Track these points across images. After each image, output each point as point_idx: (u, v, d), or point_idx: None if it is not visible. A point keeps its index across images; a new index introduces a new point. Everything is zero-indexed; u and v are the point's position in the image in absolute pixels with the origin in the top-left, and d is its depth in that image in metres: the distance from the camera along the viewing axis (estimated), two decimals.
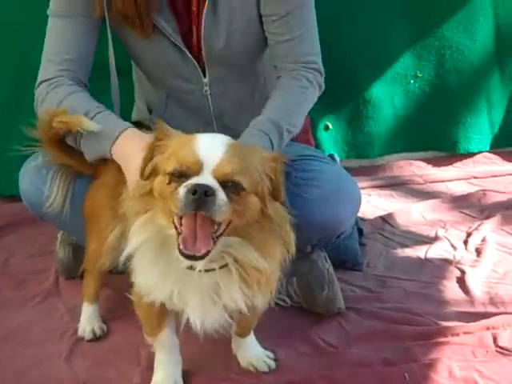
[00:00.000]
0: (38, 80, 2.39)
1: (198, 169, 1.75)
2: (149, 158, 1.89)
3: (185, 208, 1.72)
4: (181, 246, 1.76)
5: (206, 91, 2.47)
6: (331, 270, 2.51)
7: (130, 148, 2.14)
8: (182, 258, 1.77)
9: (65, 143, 2.30)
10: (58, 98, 2.30)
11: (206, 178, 1.74)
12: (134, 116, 2.82)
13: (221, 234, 1.79)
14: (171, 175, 1.77)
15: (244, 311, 1.93)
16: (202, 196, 1.70)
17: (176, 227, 1.79)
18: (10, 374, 2.24)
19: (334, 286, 2.48)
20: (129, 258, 1.95)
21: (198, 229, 1.75)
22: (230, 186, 1.75)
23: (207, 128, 2.45)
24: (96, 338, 2.42)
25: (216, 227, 1.77)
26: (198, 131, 2.08)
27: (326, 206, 2.31)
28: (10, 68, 3.39)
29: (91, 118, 2.21)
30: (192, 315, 1.93)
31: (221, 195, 1.73)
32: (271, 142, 2.20)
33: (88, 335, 2.42)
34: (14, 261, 2.97)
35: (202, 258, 1.77)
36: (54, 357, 2.33)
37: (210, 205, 1.71)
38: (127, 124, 2.24)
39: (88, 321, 2.45)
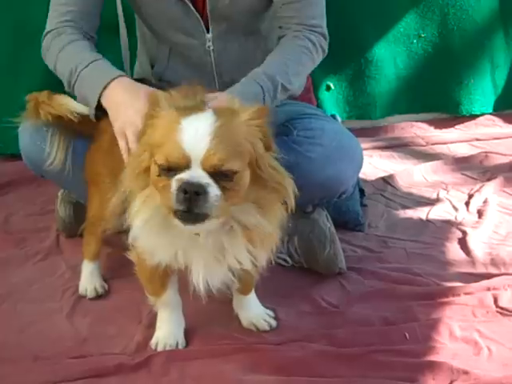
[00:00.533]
0: (44, 31, 2.39)
1: (185, 163, 1.72)
2: (141, 135, 1.86)
3: (177, 205, 1.71)
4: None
5: (208, 47, 2.45)
6: (333, 229, 2.51)
7: (121, 97, 2.11)
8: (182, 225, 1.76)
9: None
10: (58, 47, 2.31)
11: (196, 172, 1.70)
12: (137, 73, 2.79)
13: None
14: (160, 169, 1.74)
15: (248, 269, 1.93)
16: (192, 196, 1.69)
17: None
18: (10, 331, 2.25)
19: (336, 245, 2.48)
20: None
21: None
22: (221, 174, 1.72)
23: (209, 84, 2.43)
24: (98, 297, 2.43)
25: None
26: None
27: (327, 164, 2.29)
28: (8, 24, 3.35)
29: (85, 67, 2.21)
30: (196, 275, 1.93)
31: (213, 191, 1.70)
32: (263, 93, 2.17)
33: (90, 293, 2.42)
34: (14, 219, 2.97)
35: (201, 220, 1.74)
36: (55, 314, 2.33)
37: (202, 203, 1.70)
38: (121, 72, 2.21)
39: (89, 279, 2.45)
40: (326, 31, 2.42)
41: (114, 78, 2.17)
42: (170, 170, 1.73)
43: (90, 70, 2.22)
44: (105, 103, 2.16)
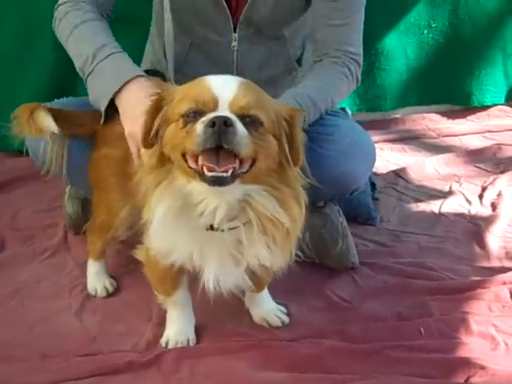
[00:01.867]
0: (59, 2, 2.34)
1: (213, 105, 1.68)
2: (151, 123, 1.80)
3: (204, 143, 1.63)
4: (205, 170, 1.66)
5: (233, 46, 2.43)
6: (345, 223, 2.47)
7: (135, 96, 2.06)
8: (206, 185, 1.68)
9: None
10: (74, 22, 2.25)
11: (223, 113, 1.66)
12: (148, 55, 2.73)
13: (245, 173, 1.71)
14: (186, 117, 1.70)
15: (266, 267, 1.90)
16: (221, 127, 1.61)
17: (192, 168, 1.70)
18: (19, 328, 2.22)
19: (348, 239, 2.44)
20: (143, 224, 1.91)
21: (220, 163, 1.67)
22: (248, 121, 1.68)
23: None
24: (108, 295, 2.40)
25: (238, 166, 1.68)
26: None
27: (341, 161, 2.26)
28: (15, 21, 3.32)
29: (105, 57, 2.15)
30: (208, 274, 1.88)
31: (240, 127, 1.65)
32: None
33: (101, 292, 2.39)
34: (21, 216, 2.93)
35: (227, 182, 1.67)
36: (64, 311, 2.30)
37: (231, 136, 1.62)
38: (138, 71, 2.17)
39: (96, 278, 2.42)
40: (361, 60, 2.41)
41: (130, 80, 2.11)
42: (195, 115, 1.68)
43: (108, 62, 2.16)
44: (118, 103, 2.12)
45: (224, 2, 2.35)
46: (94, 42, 2.20)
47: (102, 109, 2.15)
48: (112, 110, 2.16)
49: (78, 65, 2.24)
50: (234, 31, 2.41)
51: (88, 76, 2.20)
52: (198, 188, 1.73)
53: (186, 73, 2.44)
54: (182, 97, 1.73)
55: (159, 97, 1.78)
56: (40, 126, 2.14)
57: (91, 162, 2.25)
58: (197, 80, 1.76)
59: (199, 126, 1.64)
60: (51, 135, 2.18)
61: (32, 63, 3.31)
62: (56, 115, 2.17)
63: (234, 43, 2.42)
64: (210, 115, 1.65)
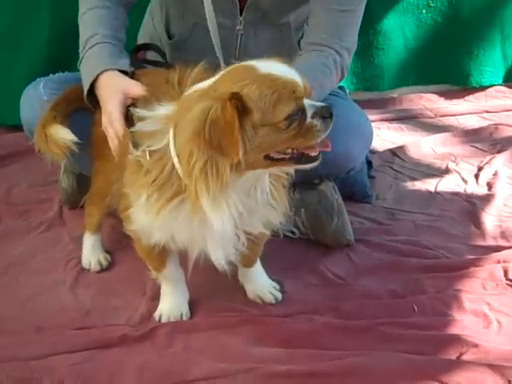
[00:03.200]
0: None
1: (303, 96, 1.75)
2: (241, 136, 1.70)
3: (322, 134, 1.78)
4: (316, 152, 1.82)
5: (238, 30, 2.41)
6: (340, 200, 2.46)
7: (105, 89, 2.10)
8: (304, 164, 1.83)
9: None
10: (84, 9, 2.28)
11: (308, 100, 1.77)
12: (145, 32, 2.68)
13: None
14: (290, 117, 1.71)
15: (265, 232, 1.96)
16: (331, 115, 1.77)
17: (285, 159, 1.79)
18: (14, 302, 2.23)
19: (344, 216, 2.44)
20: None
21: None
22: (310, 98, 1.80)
23: (225, 64, 2.38)
24: (102, 269, 2.40)
25: None
26: (215, 66, 2.02)
27: (336, 141, 2.21)
28: None
29: (92, 46, 2.18)
30: (214, 252, 1.90)
31: None
32: None
33: (94, 267, 2.40)
34: (16, 190, 2.92)
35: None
36: (59, 285, 2.31)
37: (331, 120, 1.79)
38: (113, 63, 2.16)
39: (92, 251, 2.42)
40: (352, 50, 2.38)
41: (103, 71, 2.13)
42: (298, 112, 1.73)
43: (92, 52, 2.19)
44: (96, 91, 2.15)
45: None
46: (91, 29, 2.22)
47: (84, 96, 2.18)
48: None
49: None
50: (240, 15, 2.39)
51: (80, 62, 2.23)
52: (252, 175, 1.79)
53: (187, 51, 2.43)
54: (276, 100, 1.71)
55: (236, 108, 1.68)
56: (57, 142, 2.14)
57: (93, 133, 2.26)
58: (266, 76, 1.73)
59: (316, 121, 1.76)
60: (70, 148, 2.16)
61: (28, 39, 3.28)
62: (61, 107, 2.22)
63: (240, 26, 2.40)
64: (315, 106, 1.76)
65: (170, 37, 2.53)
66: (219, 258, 1.92)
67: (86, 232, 2.44)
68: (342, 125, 2.22)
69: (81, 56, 2.22)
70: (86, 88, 2.16)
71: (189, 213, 1.81)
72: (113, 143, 2.06)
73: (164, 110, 1.83)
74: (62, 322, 2.12)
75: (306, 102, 1.76)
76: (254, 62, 1.79)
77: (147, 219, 1.88)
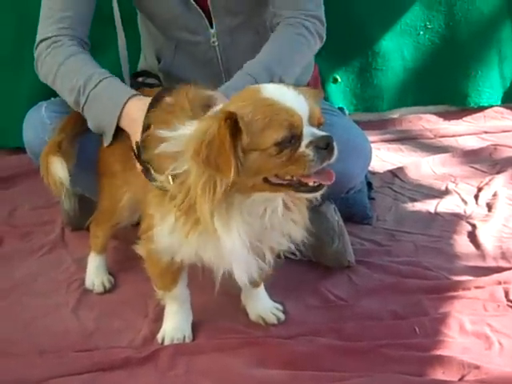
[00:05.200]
0: (37, 39, 2.32)
1: (301, 126, 1.72)
2: (234, 156, 1.70)
3: (316, 165, 1.73)
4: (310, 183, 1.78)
5: (213, 42, 2.43)
6: (341, 222, 2.48)
7: (135, 115, 2.06)
8: (303, 193, 1.82)
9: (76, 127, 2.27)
10: (58, 60, 2.25)
11: (312, 129, 1.73)
12: (141, 65, 2.76)
13: None
14: (280, 144, 1.70)
15: (291, 247, 1.98)
16: (331, 146, 1.72)
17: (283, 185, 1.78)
18: (16, 324, 2.24)
19: (344, 238, 2.45)
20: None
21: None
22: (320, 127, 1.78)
23: (216, 79, 2.41)
24: (105, 291, 2.41)
25: None
26: (207, 83, 2.05)
27: (336, 161, 2.26)
28: (11, 18, 3.32)
29: (95, 85, 2.16)
30: (238, 270, 1.91)
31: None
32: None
33: (98, 288, 2.41)
34: (18, 213, 2.95)
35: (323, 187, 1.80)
36: (61, 307, 2.32)
37: (333, 150, 1.74)
38: (131, 90, 2.18)
39: (96, 272, 2.43)
40: (322, 16, 2.37)
41: (127, 100, 2.11)
42: (291, 139, 1.70)
43: (100, 89, 2.17)
44: (121, 124, 2.13)
45: (192, 1, 2.34)
46: (82, 73, 2.20)
47: (111, 134, 2.16)
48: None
49: (70, 100, 2.24)
50: (211, 27, 2.40)
51: (84, 106, 2.20)
52: (260, 197, 1.80)
53: (176, 75, 2.47)
54: (266, 125, 1.70)
55: (230, 128, 1.69)
56: (53, 176, 2.18)
57: (101, 151, 2.27)
58: (264, 100, 1.73)
59: (310, 151, 1.71)
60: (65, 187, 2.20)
61: (30, 62, 3.31)
62: (68, 130, 2.25)
63: (214, 39, 2.42)
64: (314, 135, 1.72)
65: (159, 62, 2.57)
66: (242, 276, 1.92)
67: (92, 252, 2.46)
68: (340, 144, 2.25)
69: (82, 100, 2.18)
70: (111, 126, 2.13)
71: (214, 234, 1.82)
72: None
73: (185, 129, 1.82)
74: (64, 344, 2.13)
75: (307, 130, 1.73)
76: (265, 85, 1.80)
77: (176, 239, 1.88)
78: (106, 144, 2.19)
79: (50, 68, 2.27)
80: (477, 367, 1.97)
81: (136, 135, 2.03)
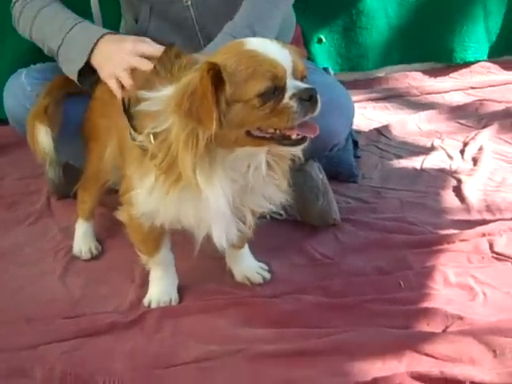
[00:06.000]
0: (13, 1, 2.36)
1: (285, 77, 1.71)
2: (216, 106, 1.69)
3: (299, 117, 1.73)
4: (298, 135, 1.77)
5: (186, 1, 2.40)
6: (325, 180, 2.48)
7: (108, 49, 2.10)
8: (287, 146, 1.82)
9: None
10: (32, 14, 2.29)
11: (295, 82, 1.73)
12: (122, 30, 2.73)
13: None
14: (263, 96, 1.70)
15: (271, 209, 1.98)
16: (315, 98, 1.72)
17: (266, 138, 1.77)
18: (3, 293, 2.24)
19: (329, 196, 2.45)
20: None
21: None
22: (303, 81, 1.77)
23: (192, 40, 2.39)
24: (92, 258, 2.41)
25: None
26: (183, 44, 2.04)
27: (317, 119, 2.24)
28: None
29: (70, 29, 2.18)
30: (217, 233, 1.91)
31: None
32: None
33: (85, 255, 2.41)
34: (4, 183, 2.94)
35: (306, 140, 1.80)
36: (48, 275, 2.32)
37: (317, 103, 1.74)
38: (105, 30, 2.18)
39: (83, 239, 2.43)
40: None
41: (101, 36, 2.14)
42: (274, 91, 1.70)
43: (75, 32, 2.19)
44: (94, 61, 2.14)
45: None
46: (56, 20, 2.25)
47: (77, 68, 2.17)
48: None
49: (46, 47, 2.28)
50: None
51: (58, 49, 2.22)
52: (243, 152, 1.80)
53: (151, 37, 2.43)
54: (249, 76, 1.70)
55: (212, 79, 1.69)
56: (39, 145, 2.20)
57: (86, 115, 2.29)
58: (248, 51, 1.73)
59: (294, 103, 1.71)
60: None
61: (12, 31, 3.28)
62: (53, 94, 2.27)
63: None
64: (299, 85, 1.72)
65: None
66: (221, 238, 1.92)
67: (79, 219, 2.45)
68: (323, 102, 2.24)
69: (58, 43, 2.21)
70: (80, 62, 2.15)
71: (195, 192, 1.82)
72: (118, 94, 2.07)
73: (166, 90, 1.81)
74: (51, 311, 2.13)
75: (291, 82, 1.73)
76: (248, 39, 1.81)
77: (155, 200, 1.88)
78: (75, 79, 2.20)
79: (26, 22, 2.32)
80: (460, 318, 1.98)
81: (104, 73, 2.06)
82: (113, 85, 2.08)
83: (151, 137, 1.82)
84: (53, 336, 2.01)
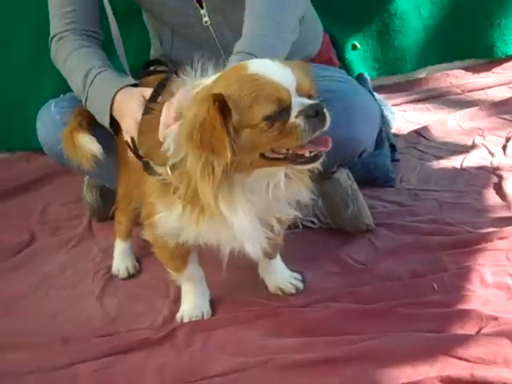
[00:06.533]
0: (50, 37, 2.40)
1: (289, 97, 1.72)
2: (227, 135, 1.71)
3: (308, 134, 1.72)
4: (306, 154, 1.77)
5: (206, 22, 2.41)
6: (354, 186, 2.45)
7: (121, 107, 2.11)
8: (302, 165, 1.80)
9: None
10: (63, 56, 2.34)
11: (300, 99, 1.72)
12: (153, 54, 2.78)
13: None
14: (269, 118, 1.71)
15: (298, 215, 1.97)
16: (322, 113, 1.72)
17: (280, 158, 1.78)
18: (44, 316, 2.29)
19: (359, 201, 2.42)
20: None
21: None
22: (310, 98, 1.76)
23: (217, 59, 2.40)
24: (129, 276, 2.45)
25: None
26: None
27: (338, 126, 2.20)
28: (31, 25, 3.38)
29: (91, 82, 2.22)
30: (249, 245, 1.92)
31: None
32: None
33: (122, 274, 2.45)
34: (50, 210, 3.01)
35: (321, 156, 1.79)
36: (86, 296, 2.37)
37: (325, 118, 1.74)
38: (122, 81, 2.21)
39: (121, 258, 2.48)
40: None
41: (117, 91, 2.16)
42: (280, 112, 1.71)
43: (96, 85, 2.22)
44: (114, 115, 2.18)
45: None
46: (81, 70, 2.26)
47: (107, 123, 2.21)
48: None
49: (78, 97, 2.31)
50: (202, 7, 2.39)
51: (85, 103, 2.26)
52: (261, 173, 1.81)
53: (176, 59, 2.48)
54: (253, 100, 1.71)
55: (219, 110, 1.70)
56: (83, 150, 2.21)
57: (119, 140, 2.29)
58: (249, 76, 1.73)
59: (300, 121, 1.71)
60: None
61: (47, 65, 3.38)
62: (85, 115, 2.28)
63: (205, 19, 2.40)
64: (303, 105, 1.71)
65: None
66: (255, 250, 1.93)
67: (117, 239, 2.50)
68: (343, 108, 2.21)
69: (84, 97, 2.25)
70: (106, 120, 2.19)
71: (221, 217, 1.83)
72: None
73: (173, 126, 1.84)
74: (87, 331, 2.17)
75: (295, 101, 1.72)
76: (248, 62, 1.81)
77: (185, 226, 1.91)
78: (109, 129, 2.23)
79: (60, 64, 2.36)
80: (495, 318, 1.92)
81: (124, 127, 2.08)
82: (129, 141, 2.09)
83: (168, 169, 1.85)
84: (86, 355, 2.04)
